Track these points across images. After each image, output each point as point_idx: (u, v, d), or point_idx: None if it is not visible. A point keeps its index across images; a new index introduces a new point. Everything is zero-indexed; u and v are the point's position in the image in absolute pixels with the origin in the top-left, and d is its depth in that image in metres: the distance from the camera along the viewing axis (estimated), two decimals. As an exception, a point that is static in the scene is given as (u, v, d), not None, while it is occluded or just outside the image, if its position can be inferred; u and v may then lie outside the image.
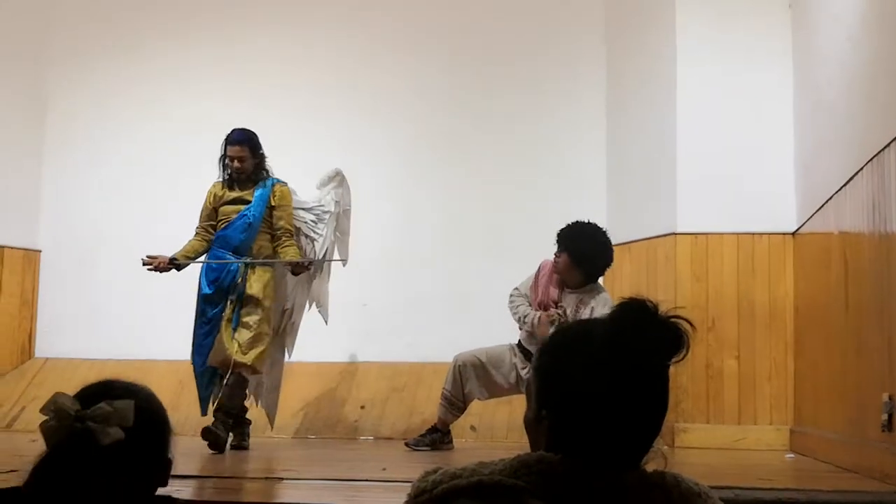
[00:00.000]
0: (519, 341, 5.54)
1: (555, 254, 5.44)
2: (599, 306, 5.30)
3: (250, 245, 5.51)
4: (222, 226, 5.55)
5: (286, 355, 5.94)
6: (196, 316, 5.51)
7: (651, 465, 1.41)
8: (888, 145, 4.03)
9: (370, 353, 7.08)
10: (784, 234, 6.02)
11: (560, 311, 5.35)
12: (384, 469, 4.34)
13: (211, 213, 5.61)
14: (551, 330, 5.22)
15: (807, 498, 3.35)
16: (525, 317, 5.43)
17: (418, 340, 7.03)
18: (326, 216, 5.86)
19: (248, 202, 5.54)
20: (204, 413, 5.44)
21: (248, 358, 5.30)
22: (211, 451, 5.06)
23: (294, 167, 7.27)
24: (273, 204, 5.55)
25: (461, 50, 7.49)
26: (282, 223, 5.56)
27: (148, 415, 1.68)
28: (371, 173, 7.38)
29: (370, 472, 4.20)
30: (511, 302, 5.53)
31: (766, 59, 6.15)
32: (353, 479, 3.92)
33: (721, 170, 6.10)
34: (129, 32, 7.78)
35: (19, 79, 7.58)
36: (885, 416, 3.99)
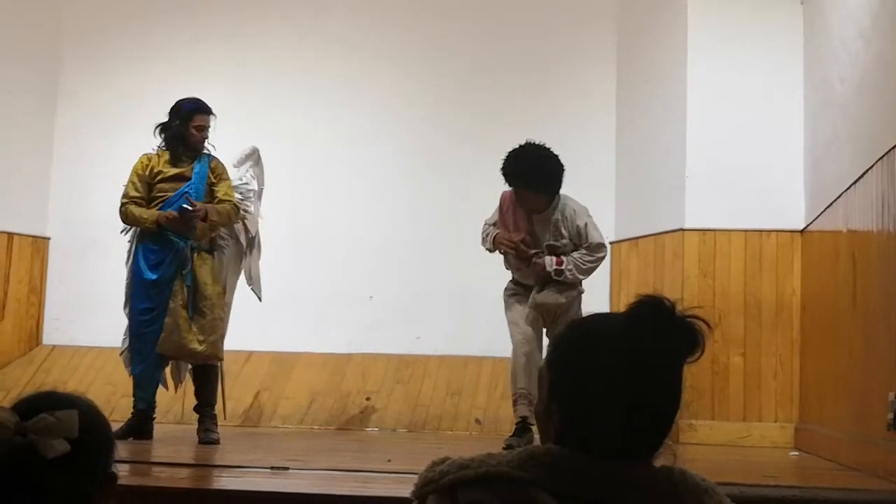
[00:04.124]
0: (513, 279, 5.30)
1: (513, 191, 5.14)
2: (577, 218, 5.09)
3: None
4: (159, 204, 5.17)
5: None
6: (130, 302, 5.20)
7: (660, 461, 1.41)
8: (898, 144, 4.03)
9: (376, 345, 7.09)
10: (792, 231, 6.01)
11: (526, 239, 5.10)
12: (389, 460, 4.35)
13: (144, 188, 5.18)
14: (542, 261, 5.00)
15: (811, 496, 3.34)
16: (486, 235, 5.22)
17: (424, 332, 7.04)
18: (251, 194, 5.57)
19: (188, 179, 5.18)
20: (143, 407, 5.16)
21: (207, 348, 5.08)
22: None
23: (303, 161, 7.31)
24: (213, 180, 5.24)
25: (472, 47, 7.47)
26: (228, 199, 5.24)
27: (92, 426, 1.54)
28: (379, 167, 7.39)
29: (375, 464, 4.21)
30: (483, 233, 5.33)
31: (777, 56, 6.14)
32: (358, 470, 3.93)
33: (730, 166, 6.09)
34: (141, 22, 7.78)
35: (30, 66, 7.59)
36: (890, 415, 3.98)
